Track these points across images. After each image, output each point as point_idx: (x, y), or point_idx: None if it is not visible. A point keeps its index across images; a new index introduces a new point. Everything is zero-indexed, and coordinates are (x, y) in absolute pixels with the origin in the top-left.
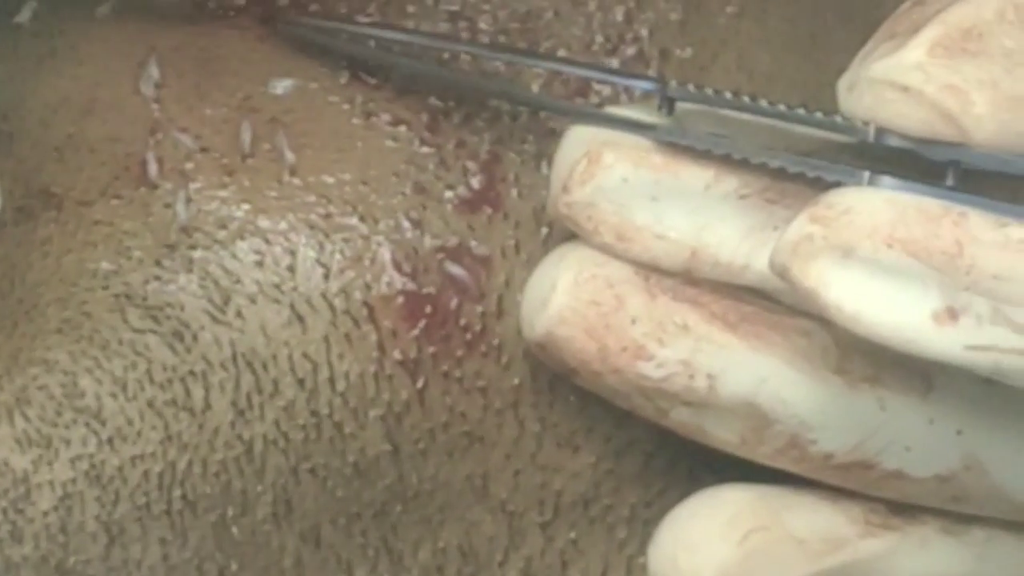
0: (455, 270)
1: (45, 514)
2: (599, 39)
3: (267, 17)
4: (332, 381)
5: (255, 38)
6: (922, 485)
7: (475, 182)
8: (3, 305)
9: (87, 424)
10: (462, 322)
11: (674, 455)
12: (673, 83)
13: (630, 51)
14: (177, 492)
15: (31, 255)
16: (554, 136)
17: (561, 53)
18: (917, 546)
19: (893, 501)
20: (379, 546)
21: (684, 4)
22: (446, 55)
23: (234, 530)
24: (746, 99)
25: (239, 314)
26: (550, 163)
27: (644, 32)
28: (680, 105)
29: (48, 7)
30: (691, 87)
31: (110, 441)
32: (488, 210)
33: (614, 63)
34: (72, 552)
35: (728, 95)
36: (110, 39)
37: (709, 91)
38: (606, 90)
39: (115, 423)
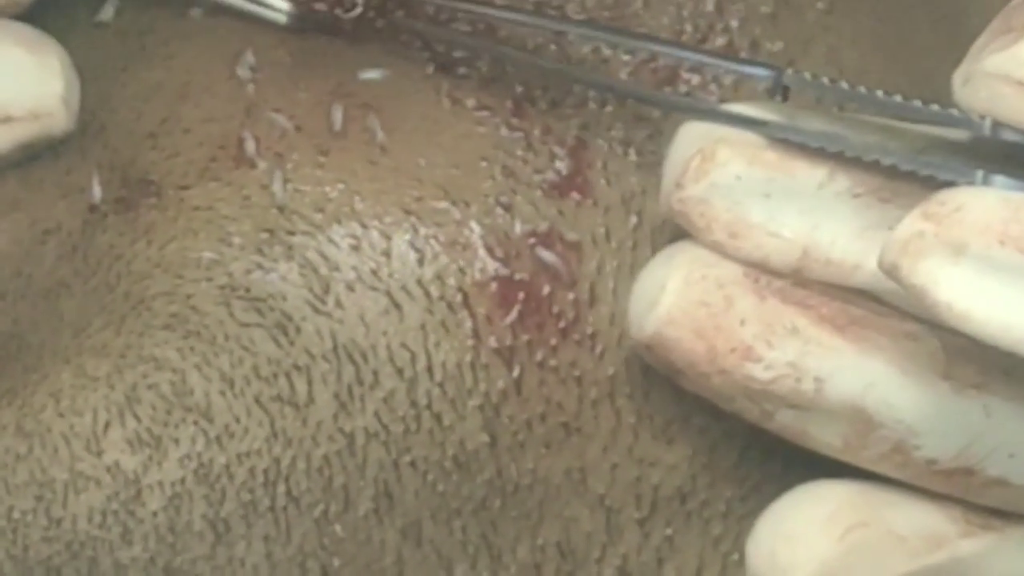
0: (547, 256)
1: (155, 515)
2: (688, 29)
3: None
4: (430, 370)
5: (346, 38)
6: (1023, 493)
7: (563, 167)
8: (110, 299)
9: (196, 423)
10: (555, 309)
11: (768, 449)
12: (789, 71)
13: (720, 42)
14: (281, 488)
15: (135, 245)
16: (641, 123)
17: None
18: (1017, 547)
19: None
20: (479, 543)
21: None
22: (531, 44)
23: (336, 526)
24: (862, 90)
25: (339, 303)
26: (638, 150)
27: (734, 23)
28: (789, 107)
29: (133, 6)
30: (807, 75)
31: (218, 439)
32: (576, 196)
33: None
34: (179, 552)
35: (844, 85)
36: (204, 35)
37: (825, 81)
38: (695, 79)
39: (223, 420)
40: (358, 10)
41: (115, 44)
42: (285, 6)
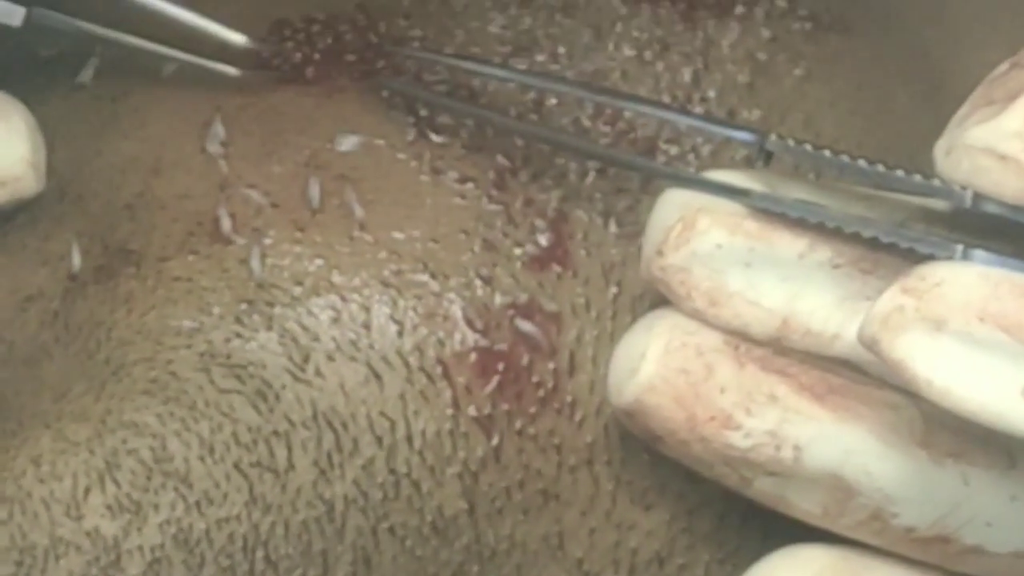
0: (526, 327)
1: None
2: (666, 99)
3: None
4: (409, 439)
5: (321, 95)
6: (1000, 561)
7: (543, 240)
8: (91, 365)
9: (175, 488)
10: (535, 379)
11: (747, 513)
12: (773, 136)
13: (697, 111)
14: (260, 553)
15: (115, 313)
16: (621, 194)
17: (628, 114)
18: None
19: None
20: None
21: (751, 66)
22: (513, 112)
23: None
24: (844, 157)
25: (318, 372)
26: (618, 221)
27: (712, 93)
28: (769, 175)
29: (110, 67)
30: (791, 141)
31: (197, 504)
32: (557, 268)
33: (682, 124)
34: None
35: (827, 153)
36: (174, 100)
37: (808, 147)
38: (673, 150)
39: (202, 486)
40: (310, 70)
41: (91, 108)
42: (240, 40)
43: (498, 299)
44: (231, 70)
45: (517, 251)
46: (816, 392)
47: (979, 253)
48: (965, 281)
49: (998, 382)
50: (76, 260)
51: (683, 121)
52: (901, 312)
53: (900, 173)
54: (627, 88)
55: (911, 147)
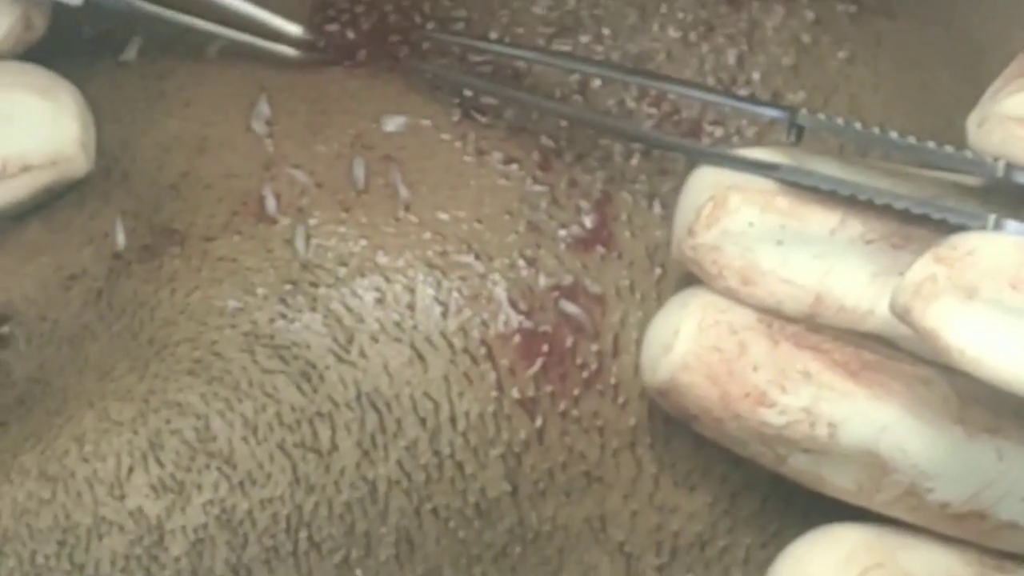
0: (570, 308)
1: (177, 560)
2: (711, 81)
3: (400, 49)
4: (453, 420)
5: (365, 75)
6: None
7: (588, 221)
8: (134, 345)
9: (219, 468)
10: (578, 361)
11: (789, 496)
12: (803, 111)
13: (742, 93)
14: (303, 534)
15: (159, 292)
16: (666, 176)
17: (672, 95)
18: None
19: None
20: None
21: (796, 48)
22: (558, 93)
23: (358, 571)
24: (875, 131)
25: (362, 353)
26: (663, 203)
27: (756, 75)
28: (800, 153)
29: (155, 45)
30: (821, 116)
31: (240, 485)
32: (601, 249)
33: (726, 107)
34: None
35: (858, 127)
36: (219, 79)
37: (839, 121)
38: (718, 131)
39: (246, 467)
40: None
41: (136, 86)
42: (295, 31)
43: (542, 281)
44: (289, 51)
45: (561, 232)
46: (850, 368)
47: (1011, 223)
48: (997, 249)
49: None
50: (120, 239)
51: (713, 100)
52: (933, 281)
53: (931, 145)
54: (672, 70)
55: (955, 130)
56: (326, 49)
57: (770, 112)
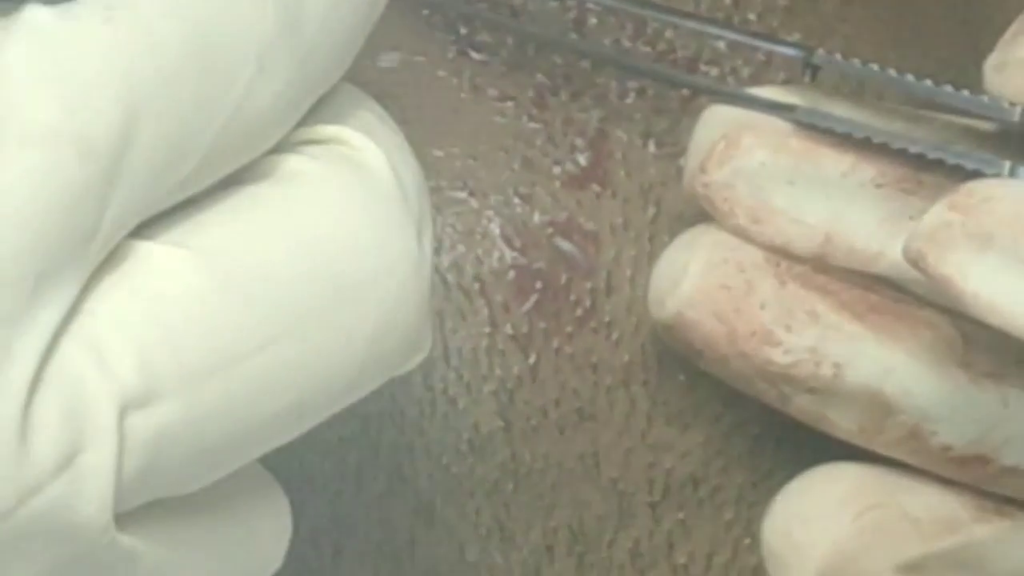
0: (564, 245)
1: None
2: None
3: None
4: (446, 355)
5: None
6: None
7: (583, 159)
8: None
9: None
10: (572, 298)
11: (781, 436)
12: (819, 50)
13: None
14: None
15: None
16: (661, 115)
17: (668, 34)
18: None
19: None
20: (491, 524)
21: None
22: (554, 31)
23: (350, 506)
24: (892, 72)
25: None
26: (658, 142)
27: (752, 16)
28: (815, 94)
29: None
30: (838, 56)
31: None
32: (596, 187)
33: (721, 46)
34: None
35: (875, 67)
36: None
37: (856, 61)
38: (713, 71)
39: None
40: None
41: None
42: None
43: (537, 218)
44: None
45: (556, 170)
46: (857, 310)
47: None
48: (1014, 197)
49: None
50: None
51: (729, 36)
52: (948, 228)
53: (948, 88)
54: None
55: (950, 71)
56: None
57: (786, 50)
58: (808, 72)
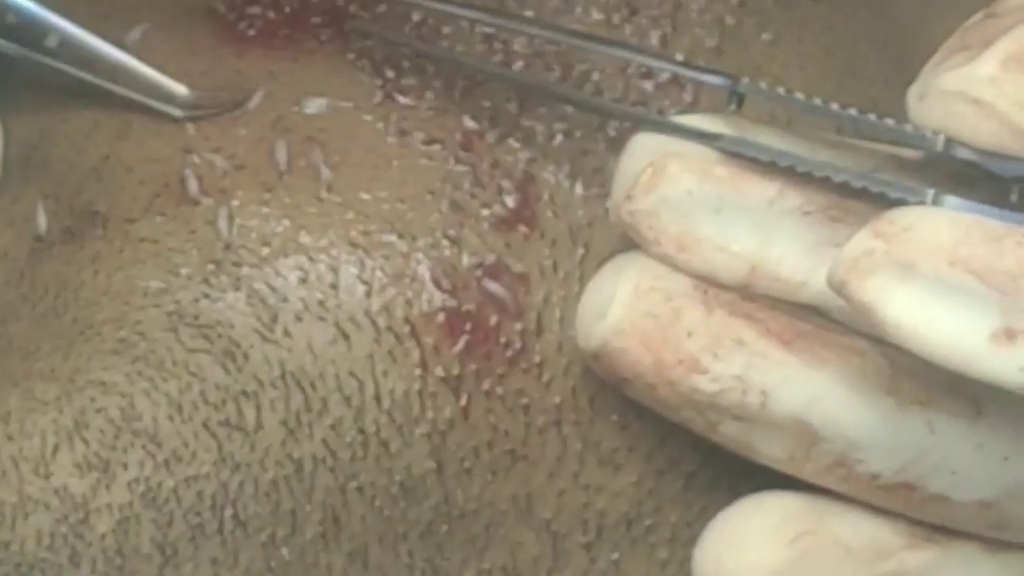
0: (494, 287)
1: (103, 537)
2: (634, 64)
3: (322, 31)
4: (378, 399)
5: (286, 58)
6: (964, 510)
7: (510, 201)
8: (58, 324)
9: (144, 447)
10: (502, 339)
11: (715, 475)
12: (745, 80)
13: (664, 75)
14: (229, 512)
15: (82, 273)
16: (588, 156)
17: (596, 76)
18: (960, 563)
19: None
20: (425, 567)
21: (720, 30)
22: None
23: (284, 550)
24: (817, 101)
25: (287, 332)
26: (585, 183)
27: (679, 57)
28: (740, 122)
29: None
30: (762, 84)
31: (166, 463)
32: (524, 228)
33: (648, 86)
34: (127, 574)
35: (800, 96)
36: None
37: (780, 91)
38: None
39: (170, 445)
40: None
41: (57, 75)
42: (182, 91)
43: (465, 260)
44: (176, 111)
45: (484, 212)
46: (783, 338)
47: (950, 199)
48: (936, 225)
49: (967, 327)
50: (42, 222)
51: (655, 64)
52: (870, 255)
53: (872, 117)
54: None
55: (880, 109)
56: (246, 30)
57: (712, 79)
58: (734, 100)
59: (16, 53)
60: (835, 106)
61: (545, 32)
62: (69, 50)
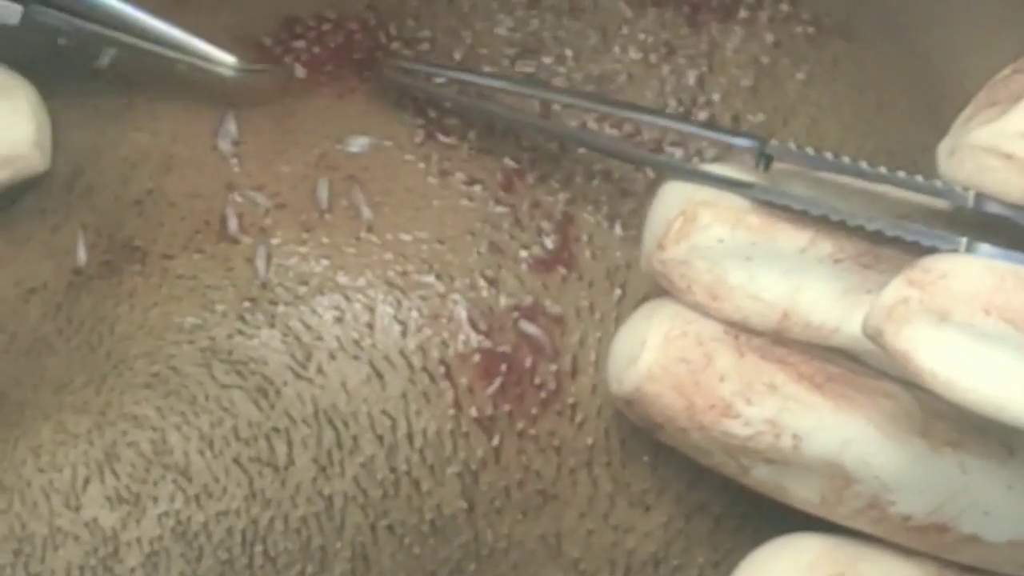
0: (530, 329)
1: (132, 571)
2: (672, 103)
3: (365, 68)
4: (410, 438)
5: (332, 95)
6: (996, 550)
7: (549, 242)
8: (92, 359)
9: (175, 481)
10: (537, 380)
11: (743, 517)
12: (773, 141)
13: (702, 115)
14: (259, 548)
15: (118, 308)
16: (627, 197)
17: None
18: None
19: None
20: None
21: (755, 70)
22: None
23: None
24: (846, 160)
25: (320, 370)
26: (623, 224)
27: (716, 97)
28: (772, 172)
29: (128, 55)
30: (792, 145)
31: (196, 498)
32: (562, 270)
33: (683, 131)
34: None
35: (828, 156)
36: (187, 94)
37: (809, 150)
38: (678, 152)
39: (202, 480)
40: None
41: (106, 95)
42: (230, 60)
43: (503, 301)
44: (227, 71)
45: (523, 253)
46: (815, 381)
47: (984, 246)
48: (970, 273)
49: (1003, 374)
50: (82, 254)
51: (683, 128)
52: (906, 304)
53: (902, 174)
54: (633, 91)
55: (912, 151)
56: (290, 66)
57: (740, 141)
58: (762, 161)
59: (64, 24)
60: (864, 164)
61: (577, 100)
62: (116, 19)
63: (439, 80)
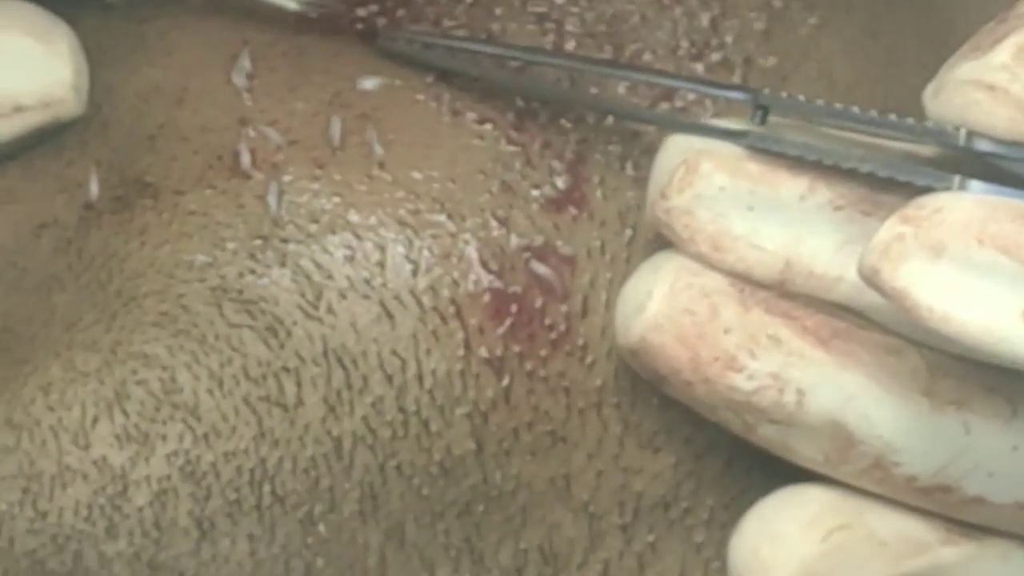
0: (540, 269)
1: (140, 510)
2: (684, 44)
3: (367, 33)
4: (420, 378)
5: (346, 39)
6: (1001, 511)
7: (560, 182)
8: (102, 296)
9: (184, 420)
10: (547, 321)
11: (754, 458)
12: (766, 91)
13: (715, 57)
14: (267, 488)
15: (129, 244)
16: (638, 138)
17: (647, 57)
18: (998, 558)
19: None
20: (461, 546)
21: (768, 13)
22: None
23: (321, 527)
24: (838, 107)
25: (330, 309)
26: (635, 165)
27: (729, 39)
28: (772, 119)
29: None
30: (784, 95)
31: (205, 437)
32: (573, 210)
33: (699, 68)
34: (164, 547)
35: (820, 103)
36: (202, 30)
37: (801, 99)
38: (691, 95)
39: (210, 419)
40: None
41: (119, 30)
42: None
43: (514, 241)
44: (290, 3)
45: (534, 193)
46: (820, 336)
47: (976, 183)
48: (963, 207)
49: (998, 305)
50: (94, 189)
51: (676, 84)
52: (901, 240)
53: (893, 117)
54: (646, 32)
55: (921, 96)
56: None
57: (733, 94)
58: (758, 114)
59: None
60: (856, 109)
61: (573, 63)
62: None
63: (450, 23)
